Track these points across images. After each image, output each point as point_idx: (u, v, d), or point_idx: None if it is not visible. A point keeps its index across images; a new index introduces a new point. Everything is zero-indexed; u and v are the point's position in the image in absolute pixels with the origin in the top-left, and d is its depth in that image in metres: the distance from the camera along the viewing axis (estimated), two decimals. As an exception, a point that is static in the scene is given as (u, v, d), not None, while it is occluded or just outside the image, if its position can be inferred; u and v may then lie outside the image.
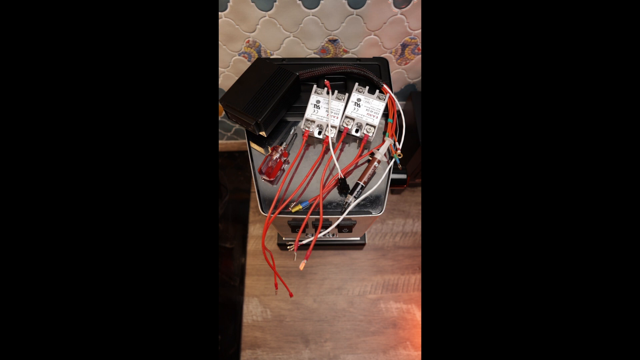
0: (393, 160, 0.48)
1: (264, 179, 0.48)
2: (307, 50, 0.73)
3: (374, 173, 0.47)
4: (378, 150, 0.46)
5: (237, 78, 0.53)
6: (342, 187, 0.47)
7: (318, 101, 0.49)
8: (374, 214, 0.48)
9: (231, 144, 1.13)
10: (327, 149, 0.48)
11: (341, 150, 0.50)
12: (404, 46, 0.74)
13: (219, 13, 0.63)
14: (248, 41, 0.71)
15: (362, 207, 0.48)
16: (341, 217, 0.45)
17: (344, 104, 0.49)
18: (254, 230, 1.07)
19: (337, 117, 0.48)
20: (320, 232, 0.44)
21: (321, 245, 0.98)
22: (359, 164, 0.49)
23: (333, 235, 0.86)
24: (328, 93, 0.49)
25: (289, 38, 0.70)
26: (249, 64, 0.72)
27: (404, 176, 0.53)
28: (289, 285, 0.88)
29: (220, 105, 0.46)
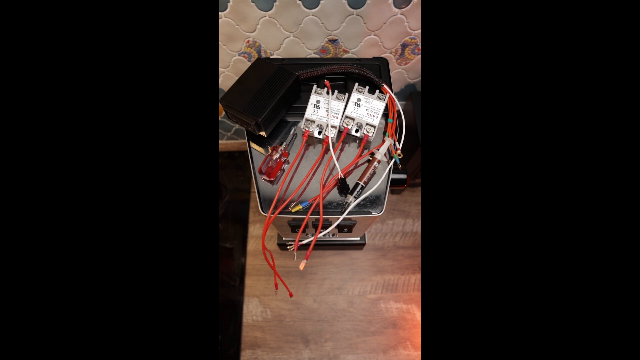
0: (393, 160, 0.48)
1: (264, 179, 0.48)
2: (307, 50, 0.73)
3: (374, 173, 0.47)
4: (378, 150, 0.46)
5: (237, 78, 0.53)
6: (342, 187, 0.47)
7: (318, 101, 0.49)
8: (374, 214, 0.48)
9: (231, 144, 1.13)
10: (327, 149, 0.48)
11: (341, 150, 0.50)
12: (404, 46, 0.74)
13: (219, 13, 0.63)
14: (248, 41, 0.71)
15: (362, 207, 0.48)
16: (341, 217, 0.45)
17: (344, 104, 0.49)
18: (254, 230, 1.07)
19: (337, 117, 0.48)
20: (320, 232, 0.44)
21: (321, 245, 0.98)
22: (359, 164, 0.49)
23: (333, 235, 0.86)
24: (328, 93, 0.49)
25: (289, 38, 0.70)
26: (249, 64, 0.72)
27: (404, 176, 0.53)
28: (289, 285, 0.88)
29: (220, 105, 0.46)
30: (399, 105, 0.50)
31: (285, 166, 0.48)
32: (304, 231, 0.66)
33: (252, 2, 0.61)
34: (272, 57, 0.75)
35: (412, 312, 0.98)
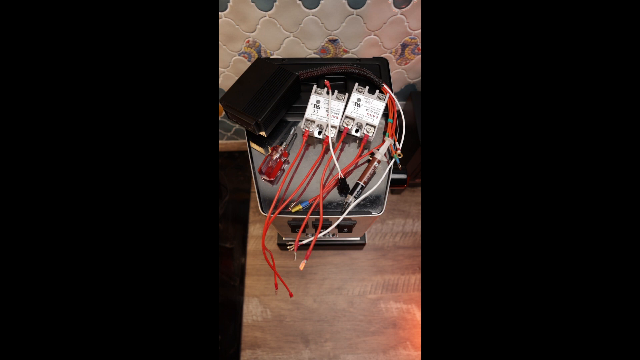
0: (393, 160, 0.48)
1: (264, 179, 0.48)
2: (307, 50, 0.73)
3: (374, 173, 0.47)
4: (378, 150, 0.46)
5: (237, 78, 0.53)
6: (342, 187, 0.47)
7: (318, 101, 0.49)
8: (374, 214, 0.48)
9: (231, 144, 1.13)
10: (327, 149, 0.48)
11: (341, 150, 0.50)
12: (404, 46, 0.74)
13: (219, 13, 0.63)
14: (248, 41, 0.71)
15: (362, 207, 0.48)
16: (341, 217, 0.45)
17: (344, 104, 0.49)
18: (254, 230, 1.07)
19: (337, 117, 0.48)
20: (320, 232, 0.44)
21: (321, 245, 0.98)
22: (359, 164, 0.49)
23: (333, 235, 0.86)
24: (328, 93, 0.49)
25: (289, 38, 0.70)
26: (249, 64, 0.72)
27: (404, 176, 0.53)
28: (289, 285, 0.88)
29: (220, 105, 0.46)
30: (399, 105, 0.50)
31: (285, 166, 0.48)
32: (304, 231, 0.66)
33: (252, 2, 0.61)
34: (272, 57, 0.75)
35: (412, 312, 0.98)
